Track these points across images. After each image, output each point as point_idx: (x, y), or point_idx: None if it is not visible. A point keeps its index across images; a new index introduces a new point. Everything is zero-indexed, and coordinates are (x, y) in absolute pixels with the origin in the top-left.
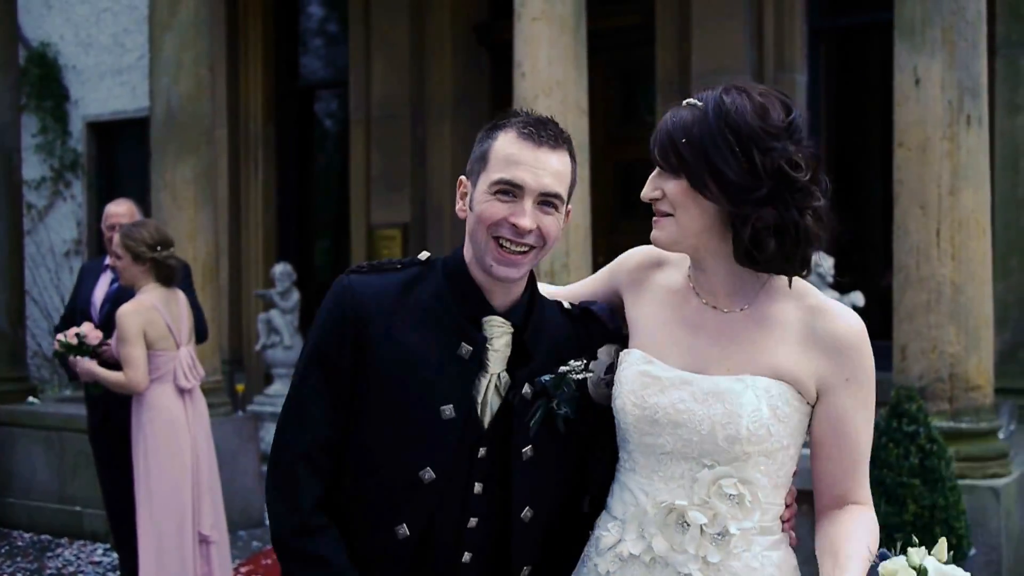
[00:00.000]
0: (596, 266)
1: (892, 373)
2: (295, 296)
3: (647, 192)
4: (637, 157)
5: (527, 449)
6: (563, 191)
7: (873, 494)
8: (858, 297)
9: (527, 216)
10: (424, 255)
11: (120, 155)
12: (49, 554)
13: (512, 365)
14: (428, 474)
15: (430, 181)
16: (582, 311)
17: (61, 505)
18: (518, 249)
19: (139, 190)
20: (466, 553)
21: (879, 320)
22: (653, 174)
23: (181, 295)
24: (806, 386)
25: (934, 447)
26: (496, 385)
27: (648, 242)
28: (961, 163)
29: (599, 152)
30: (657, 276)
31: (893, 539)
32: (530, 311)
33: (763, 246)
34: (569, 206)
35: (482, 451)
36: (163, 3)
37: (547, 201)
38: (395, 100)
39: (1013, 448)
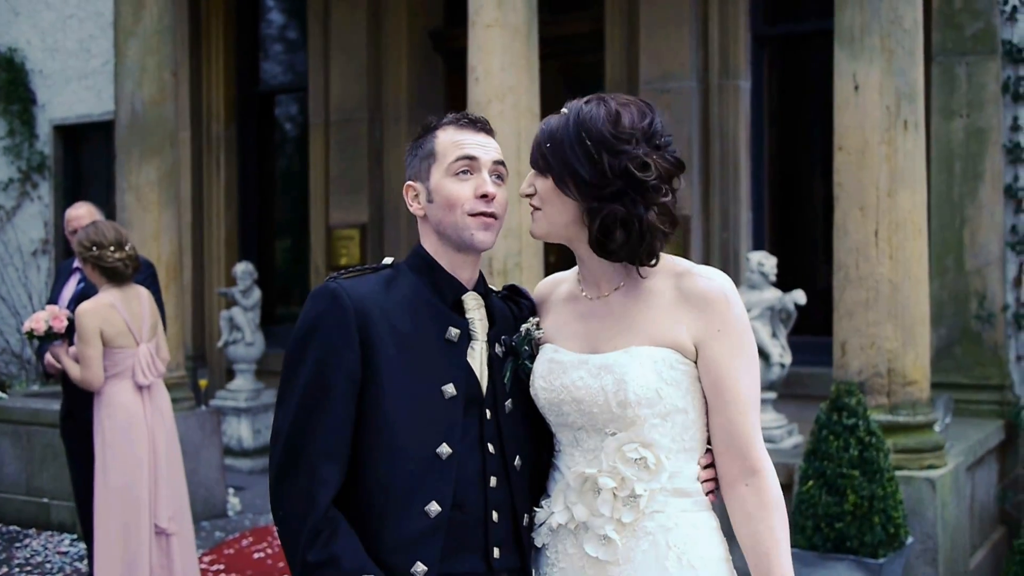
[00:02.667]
0: (548, 264)
1: (832, 368)
2: (256, 294)
3: (523, 188)
4: None
5: (508, 403)
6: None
7: (814, 485)
8: (800, 295)
9: (489, 184)
10: (388, 260)
11: (86, 157)
12: (17, 544)
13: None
14: (445, 449)
15: (387, 182)
16: (509, 288)
17: (29, 497)
18: (491, 215)
19: (104, 191)
20: (494, 512)
21: (820, 317)
22: (530, 172)
23: (144, 292)
24: (685, 345)
25: (873, 439)
26: (482, 353)
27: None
28: (898, 166)
29: None
30: (555, 294)
31: (834, 527)
32: (482, 287)
33: (611, 237)
34: None
35: (488, 414)
36: (127, 10)
37: (498, 172)
38: (353, 104)
39: (949, 441)
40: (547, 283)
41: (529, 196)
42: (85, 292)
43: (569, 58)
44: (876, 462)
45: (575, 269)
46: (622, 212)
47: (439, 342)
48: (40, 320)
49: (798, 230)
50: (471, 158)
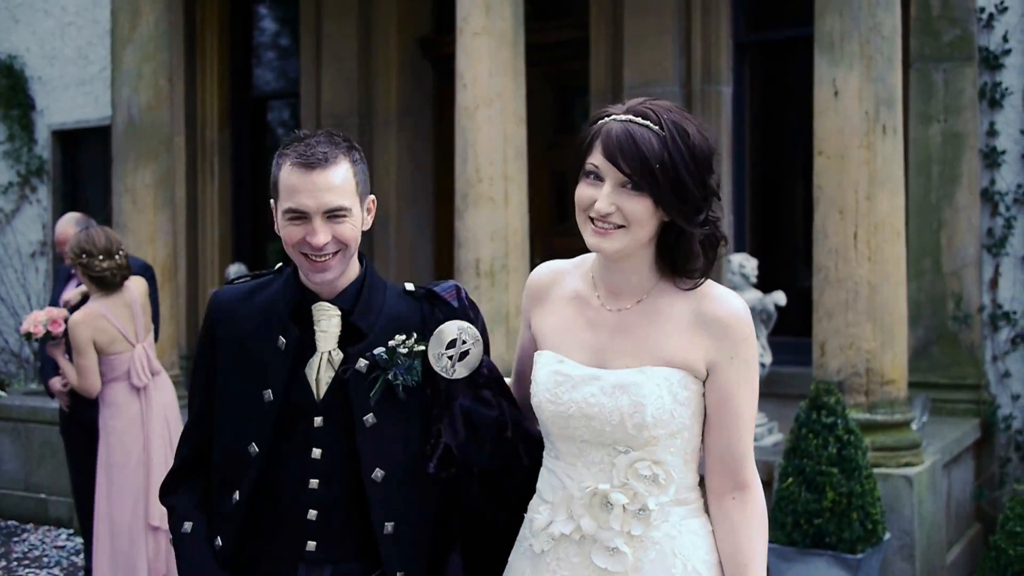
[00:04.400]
0: (533, 267)
1: (812, 368)
2: None
3: (604, 208)
4: (572, 164)
5: (368, 417)
6: (347, 200)
7: (794, 482)
8: (780, 296)
9: (319, 234)
10: (279, 266)
11: (84, 162)
12: (15, 539)
13: (345, 343)
14: (253, 448)
15: (376, 187)
16: (426, 291)
17: (27, 492)
18: (323, 258)
19: (101, 195)
20: (311, 511)
21: (800, 318)
22: (608, 190)
23: (133, 293)
24: (697, 368)
25: (851, 438)
26: (329, 361)
27: (581, 245)
28: (877, 170)
29: (536, 159)
30: (558, 287)
31: (813, 524)
32: (359, 295)
33: (699, 257)
34: (371, 197)
35: (318, 420)
36: (124, 18)
37: (334, 214)
38: (343, 110)
39: (925, 439)
40: (546, 273)
41: (606, 215)
42: (85, 296)
43: (555, 65)
44: (854, 460)
45: (576, 262)
46: (711, 232)
47: (270, 350)
48: (38, 324)
49: (779, 233)
50: (301, 213)
